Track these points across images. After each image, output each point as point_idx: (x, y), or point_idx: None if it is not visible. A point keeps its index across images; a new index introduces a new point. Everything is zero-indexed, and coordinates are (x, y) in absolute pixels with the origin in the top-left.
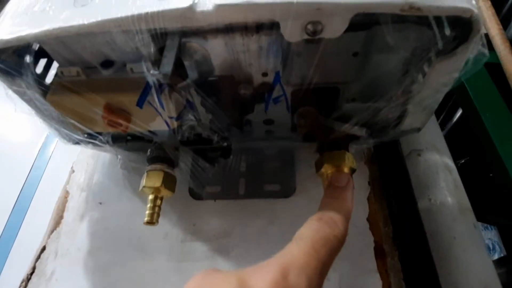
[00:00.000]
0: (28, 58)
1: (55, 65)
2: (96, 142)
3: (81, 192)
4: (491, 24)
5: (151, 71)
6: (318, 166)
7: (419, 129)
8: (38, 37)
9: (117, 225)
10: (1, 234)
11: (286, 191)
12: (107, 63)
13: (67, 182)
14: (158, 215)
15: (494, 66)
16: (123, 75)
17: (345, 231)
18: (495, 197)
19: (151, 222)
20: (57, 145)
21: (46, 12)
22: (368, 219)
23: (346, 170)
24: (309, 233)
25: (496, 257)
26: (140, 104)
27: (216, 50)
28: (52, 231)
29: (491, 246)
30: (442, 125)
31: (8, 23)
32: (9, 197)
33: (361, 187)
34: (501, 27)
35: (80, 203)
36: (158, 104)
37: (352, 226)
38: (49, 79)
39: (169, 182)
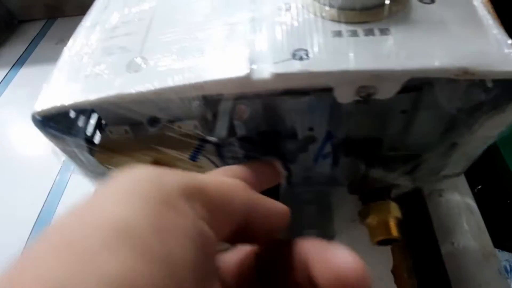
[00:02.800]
0: (81, 122)
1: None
2: None
3: None
4: None
5: (209, 138)
6: (363, 216)
7: (459, 174)
8: (95, 104)
9: None
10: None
11: (325, 237)
12: (153, 121)
13: None
14: None
15: None
16: (169, 131)
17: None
18: None
19: None
20: None
21: (100, 77)
22: (392, 272)
23: (392, 221)
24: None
25: None
26: (194, 158)
27: (264, 109)
28: None
29: (508, 268)
30: None
31: (63, 87)
32: (32, 210)
33: None
34: None
35: None
36: (208, 159)
37: (377, 279)
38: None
39: None
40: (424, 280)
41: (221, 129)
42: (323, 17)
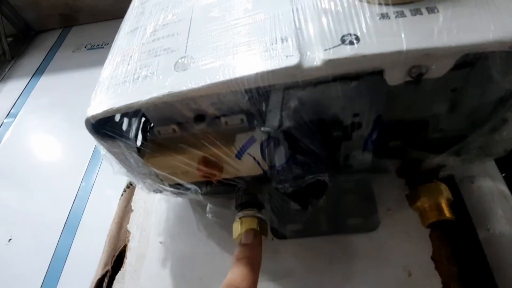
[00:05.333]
0: (130, 124)
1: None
2: (180, 191)
3: (141, 232)
4: None
5: (262, 128)
6: (412, 200)
7: (505, 151)
8: (148, 104)
9: (178, 266)
10: (54, 252)
11: (370, 225)
12: (199, 118)
13: (127, 222)
14: None
15: None
16: (215, 127)
17: None
18: None
19: None
20: (101, 167)
21: (149, 78)
22: (432, 258)
23: (444, 202)
24: None
25: None
26: (239, 156)
27: (311, 98)
28: (106, 264)
29: None
30: None
31: (113, 91)
32: (60, 215)
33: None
34: None
35: (141, 243)
36: (259, 155)
37: (416, 266)
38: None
39: (263, 227)
40: (464, 266)
41: (274, 118)
42: (366, 1)
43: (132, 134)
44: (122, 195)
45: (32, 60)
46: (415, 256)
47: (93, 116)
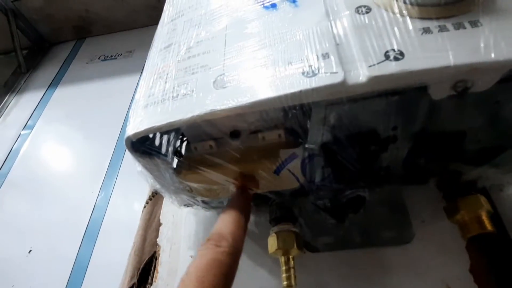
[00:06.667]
0: (170, 140)
1: None
2: (212, 205)
3: (171, 246)
4: None
5: (306, 145)
6: (451, 212)
7: None
8: (190, 122)
9: None
10: (74, 263)
11: (405, 237)
12: (235, 133)
13: (150, 234)
14: (295, 277)
15: None
16: (252, 143)
17: (235, 241)
18: None
19: (290, 285)
20: (118, 178)
21: (189, 96)
22: (471, 270)
23: (484, 215)
24: (195, 263)
25: None
26: (277, 172)
27: (352, 113)
28: (132, 277)
29: None
30: None
31: (152, 109)
32: (80, 225)
33: (457, 236)
34: None
35: (172, 257)
36: (299, 170)
37: (454, 279)
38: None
39: (299, 241)
40: (503, 278)
41: (316, 135)
42: (406, 16)
43: (169, 150)
44: (144, 207)
45: (47, 72)
46: (452, 269)
47: (134, 135)
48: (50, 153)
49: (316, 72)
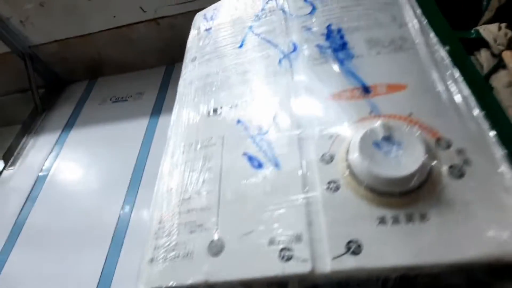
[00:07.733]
0: None
1: None
2: None
3: None
4: None
5: None
6: None
7: None
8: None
9: None
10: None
11: None
12: None
13: None
14: None
15: None
16: None
17: None
18: None
19: None
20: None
21: (189, 258)
22: None
23: None
24: None
25: None
26: None
27: None
28: None
29: None
30: None
31: (159, 266)
32: (93, 276)
33: None
34: None
35: None
36: None
37: None
38: None
39: None
40: None
41: None
42: (365, 201)
43: None
44: None
45: (62, 112)
46: None
47: None
48: (67, 196)
49: (290, 256)
